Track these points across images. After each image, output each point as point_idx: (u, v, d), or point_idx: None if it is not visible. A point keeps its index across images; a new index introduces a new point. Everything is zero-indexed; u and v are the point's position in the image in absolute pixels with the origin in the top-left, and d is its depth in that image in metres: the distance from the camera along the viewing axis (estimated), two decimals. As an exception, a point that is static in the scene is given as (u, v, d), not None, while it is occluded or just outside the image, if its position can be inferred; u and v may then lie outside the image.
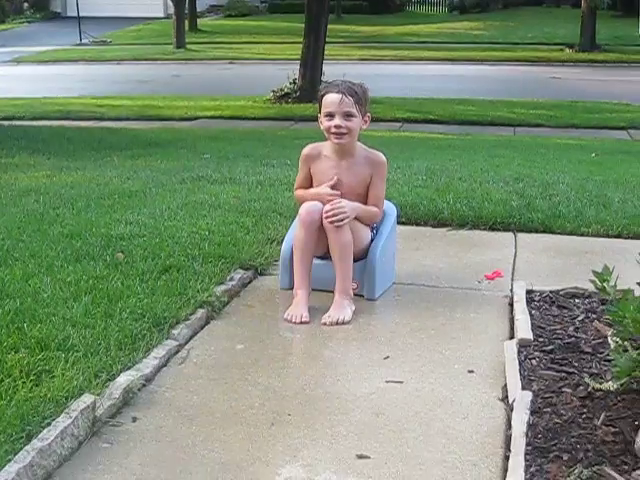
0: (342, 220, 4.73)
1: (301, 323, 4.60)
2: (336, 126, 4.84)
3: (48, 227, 6.02)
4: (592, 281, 3.76)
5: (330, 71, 20.71)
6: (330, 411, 3.57)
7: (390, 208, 5.32)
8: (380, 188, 5.03)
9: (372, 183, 4.99)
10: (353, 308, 4.73)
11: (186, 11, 43.05)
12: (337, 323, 4.58)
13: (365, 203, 4.99)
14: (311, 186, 5.09)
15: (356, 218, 4.90)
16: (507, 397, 3.65)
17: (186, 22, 42.82)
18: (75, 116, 18.54)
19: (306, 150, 5.13)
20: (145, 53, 37.47)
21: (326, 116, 4.88)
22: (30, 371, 3.61)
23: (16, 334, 3.97)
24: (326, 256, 4.93)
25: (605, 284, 3.72)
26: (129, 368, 3.80)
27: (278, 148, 11.37)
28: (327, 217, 4.74)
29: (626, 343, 3.56)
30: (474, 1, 52.68)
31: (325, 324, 4.58)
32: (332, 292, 4.79)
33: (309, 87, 20.22)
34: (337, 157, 5.00)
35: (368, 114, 4.98)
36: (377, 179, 5.00)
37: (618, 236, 6.29)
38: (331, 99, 4.85)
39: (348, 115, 4.84)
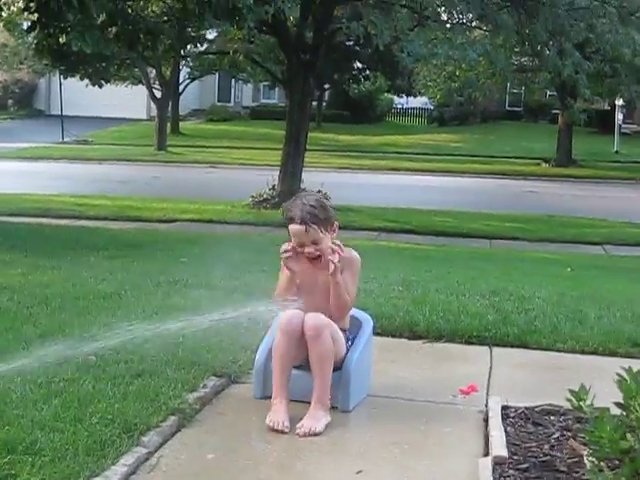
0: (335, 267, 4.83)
1: (281, 432, 4.54)
2: (308, 253, 4.92)
3: (21, 326, 5.96)
4: (569, 399, 3.73)
5: (309, 178, 20.94)
6: (301, 526, 3.50)
7: (366, 319, 5.30)
8: (350, 282, 5.02)
9: (343, 278, 4.99)
10: (328, 419, 4.67)
11: (168, 114, 43.53)
12: (309, 434, 4.52)
13: None
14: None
15: (336, 298, 4.92)
16: (481, 517, 3.58)
17: (168, 125, 43.28)
18: (54, 214, 18.57)
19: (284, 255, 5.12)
20: (126, 154, 37.76)
21: (297, 244, 4.94)
22: (-5, 475, 3.53)
23: (-18, 435, 3.90)
24: (303, 366, 4.89)
25: (582, 403, 3.69)
26: (97, 475, 3.72)
27: (255, 254, 11.37)
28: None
29: (602, 463, 3.52)
30: (453, 114, 53.54)
31: (298, 434, 4.51)
32: (308, 402, 4.74)
33: (288, 193, 20.32)
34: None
35: (335, 224, 5.01)
36: (347, 274, 5.00)
37: (594, 352, 6.26)
38: (296, 230, 4.90)
39: (315, 242, 4.90)
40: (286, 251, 4.95)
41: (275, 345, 4.86)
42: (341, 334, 4.98)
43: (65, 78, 21.46)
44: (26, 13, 15.20)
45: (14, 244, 10.73)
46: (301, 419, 4.62)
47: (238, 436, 4.51)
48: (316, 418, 4.63)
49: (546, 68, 25.07)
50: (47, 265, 8.93)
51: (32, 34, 17.20)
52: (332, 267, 4.85)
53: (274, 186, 21.26)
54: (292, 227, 4.91)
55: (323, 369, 4.76)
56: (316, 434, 4.53)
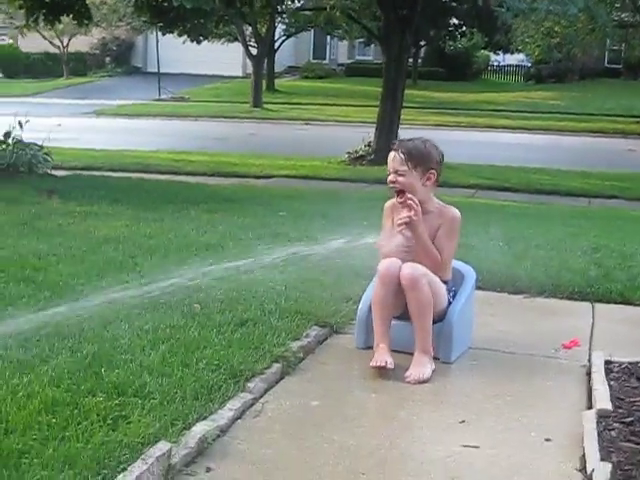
0: (411, 219, 4.83)
1: (384, 369, 4.63)
2: (390, 181, 4.96)
3: (126, 275, 6.08)
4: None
5: (405, 135, 20.76)
6: (405, 473, 3.53)
7: (469, 272, 5.30)
8: (445, 240, 5.00)
9: (439, 235, 4.99)
10: (433, 367, 4.71)
11: (264, 71, 43.64)
12: (418, 381, 4.57)
13: None
14: None
15: (422, 252, 4.93)
16: (585, 468, 3.56)
17: (264, 82, 43.40)
18: (153, 169, 18.77)
19: (388, 203, 5.20)
20: (222, 111, 37.98)
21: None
22: (107, 416, 3.63)
23: (93, 378, 4.01)
24: (403, 316, 4.92)
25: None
26: (204, 418, 3.80)
27: (353, 209, 11.38)
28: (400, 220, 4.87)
29: None
30: (550, 71, 52.61)
31: (409, 382, 4.57)
32: (408, 353, 4.77)
33: (384, 150, 20.19)
34: None
35: (432, 172, 4.97)
36: (443, 231, 5.00)
37: (699, 308, 6.17)
38: (389, 157, 5.02)
39: (399, 172, 4.92)
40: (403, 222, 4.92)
41: (374, 294, 4.91)
42: (442, 285, 4.98)
43: (163, 35, 21.62)
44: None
45: (116, 197, 10.90)
46: (406, 369, 4.65)
47: (341, 385, 4.56)
48: (422, 365, 4.69)
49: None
50: (149, 217, 9.07)
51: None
52: (404, 220, 4.86)
53: (370, 143, 21.16)
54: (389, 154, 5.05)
55: (423, 318, 4.79)
56: (425, 381, 4.59)
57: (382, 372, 4.66)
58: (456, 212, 5.08)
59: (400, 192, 4.92)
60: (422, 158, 4.96)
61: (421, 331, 4.78)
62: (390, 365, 4.65)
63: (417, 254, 4.92)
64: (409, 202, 4.84)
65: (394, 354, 4.82)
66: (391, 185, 4.97)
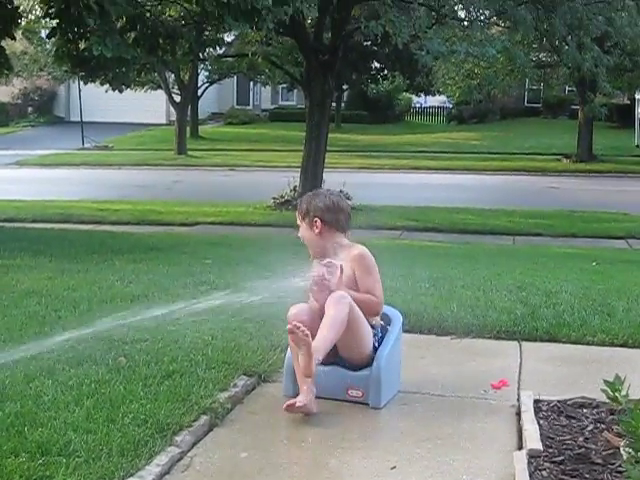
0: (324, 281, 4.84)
1: (294, 406, 4.64)
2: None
3: (49, 330, 5.96)
4: (603, 390, 3.72)
5: (330, 179, 20.89)
6: (337, 523, 3.49)
7: (396, 316, 5.29)
8: (367, 279, 4.99)
9: (357, 277, 4.98)
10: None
11: (188, 118, 43.60)
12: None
13: None
14: None
15: (358, 306, 4.88)
16: (518, 510, 3.56)
17: (188, 129, 43.35)
18: (76, 219, 18.61)
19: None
20: (146, 159, 37.81)
21: None
22: (30, 476, 3.56)
23: (16, 438, 3.92)
24: (331, 362, 4.90)
25: (617, 394, 3.67)
26: (131, 475, 3.73)
27: (279, 255, 11.35)
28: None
29: (639, 454, 3.49)
30: (472, 112, 53.34)
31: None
32: (336, 400, 4.76)
33: (309, 194, 20.34)
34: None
35: (315, 220, 5.06)
36: (360, 272, 5.00)
37: (623, 345, 6.23)
38: None
39: (299, 225, 5.17)
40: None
41: (290, 343, 4.92)
42: (369, 330, 4.98)
43: (85, 84, 21.48)
44: (46, 20, 15.24)
45: (39, 249, 10.75)
46: (333, 418, 4.63)
47: (270, 435, 4.51)
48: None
49: (565, 63, 24.87)
50: (73, 269, 8.95)
51: (51, 40, 17.23)
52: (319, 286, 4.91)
53: (295, 187, 21.22)
54: None
55: (331, 327, 4.76)
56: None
57: (310, 420, 4.62)
58: (361, 249, 5.08)
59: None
60: (310, 209, 5.10)
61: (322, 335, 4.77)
62: (299, 403, 4.64)
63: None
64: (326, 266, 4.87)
65: (321, 401, 4.79)
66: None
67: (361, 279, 4.98)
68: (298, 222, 5.16)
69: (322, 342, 4.71)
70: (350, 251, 5.05)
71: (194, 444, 4.27)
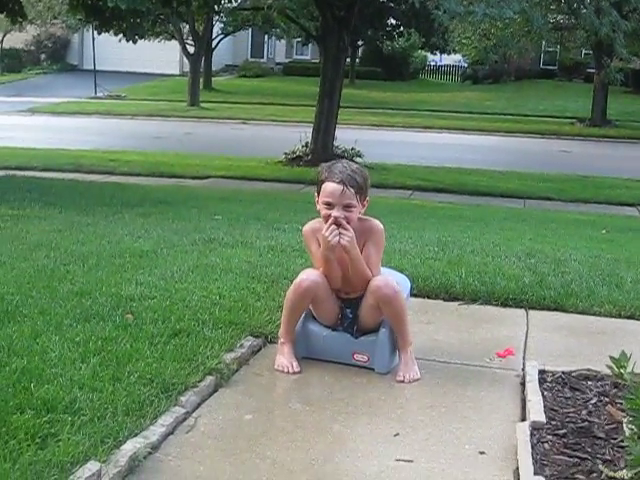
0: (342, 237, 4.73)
1: (294, 373, 4.77)
2: (334, 217, 4.71)
3: (58, 284, 5.97)
4: (609, 367, 3.71)
5: (342, 136, 20.86)
6: (339, 489, 3.51)
7: (404, 280, 5.29)
8: (372, 254, 4.92)
9: (364, 250, 4.90)
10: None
11: (201, 69, 43.45)
12: (411, 380, 4.79)
13: None
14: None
15: (355, 273, 4.89)
16: (519, 481, 3.57)
17: (201, 80, 43.22)
18: (87, 169, 18.64)
19: (307, 228, 5.03)
20: (159, 109, 37.79)
21: (325, 204, 4.77)
22: (35, 434, 3.55)
23: (22, 394, 3.92)
24: (336, 327, 4.94)
25: (622, 370, 3.67)
26: (136, 435, 3.74)
27: (289, 212, 11.36)
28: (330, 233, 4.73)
29: (641, 431, 3.50)
30: (487, 72, 53.08)
31: (402, 381, 4.77)
32: (343, 364, 4.79)
33: (321, 151, 20.31)
34: None
35: (367, 199, 4.86)
36: (369, 245, 4.91)
37: (631, 317, 6.21)
38: (331, 189, 4.72)
39: (348, 206, 4.73)
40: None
41: (288, 299, 4.95)
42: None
43: (99, 34, 21.37)
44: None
45: (49, 200, 10.77)
46: (337, 382, 4.64)
47: (275, 397, 4.54)
48: (407, 364, 4.87)
49: (582, 26, 24.74)
50: (82, 222, 8.96)
51: (66, -12, 17.18)
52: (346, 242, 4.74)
53: (307, 143, 21.17)
54: (328, 184, 4.71)
55: (400, 325, 4.90)
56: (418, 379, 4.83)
57: (315, 383, 4.65)
58: (379, 225, 4.97)
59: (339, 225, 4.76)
60: (365, 189, 4.82)
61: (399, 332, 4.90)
62: (296, 368, 4.74)
63: (352, 275, 4.90)
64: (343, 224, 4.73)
65: (329, 365, 4.82)
66: (332, 220, 4.72)
67: (370, 254, 4.90)
68: (349, 202, 4.70)
69: (402, 336, 4.93)
70: (367, 224, 4.92)
71: (199, 405, 4.28)
